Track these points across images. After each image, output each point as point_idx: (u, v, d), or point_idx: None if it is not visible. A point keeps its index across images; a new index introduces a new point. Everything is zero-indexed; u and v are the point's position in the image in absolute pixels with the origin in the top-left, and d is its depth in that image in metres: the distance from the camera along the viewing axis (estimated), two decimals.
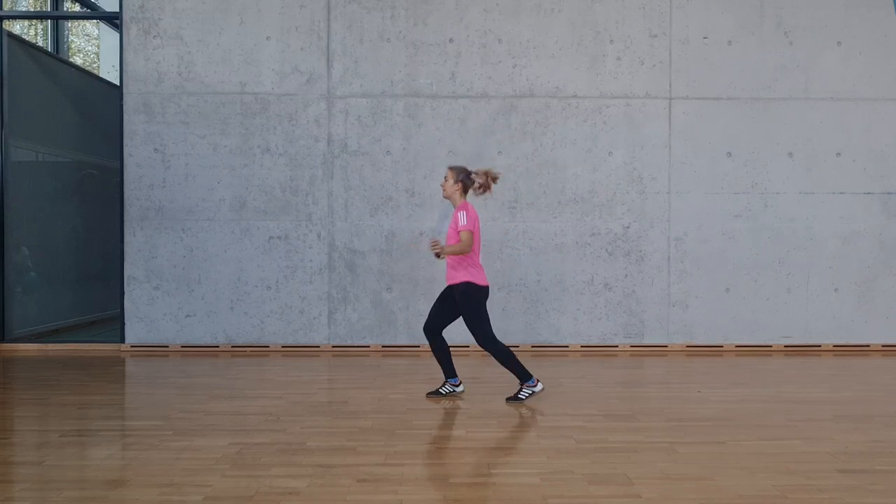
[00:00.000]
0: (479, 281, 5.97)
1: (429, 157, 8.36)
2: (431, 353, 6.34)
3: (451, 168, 6.11)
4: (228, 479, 4.17)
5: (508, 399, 6.07)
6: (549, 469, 4.36)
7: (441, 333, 6.17)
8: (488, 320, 6.01)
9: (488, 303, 8.25)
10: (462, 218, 5.90)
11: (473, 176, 6.06)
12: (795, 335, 8.57)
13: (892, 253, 8.60)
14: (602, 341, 8.52)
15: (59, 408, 5.96)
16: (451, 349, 6.28)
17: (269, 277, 8.42)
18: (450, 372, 6.23)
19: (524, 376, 6.03)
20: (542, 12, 8.48)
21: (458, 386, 6.26)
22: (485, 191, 6.10)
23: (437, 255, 5.97)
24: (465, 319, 6.02)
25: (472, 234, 5.88)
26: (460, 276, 5.95)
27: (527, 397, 6.04)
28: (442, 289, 6.23)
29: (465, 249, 5.86)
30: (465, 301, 5.97)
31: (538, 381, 6.09)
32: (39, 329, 9.27)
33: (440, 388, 6.27)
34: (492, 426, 5.42)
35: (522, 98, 8.48)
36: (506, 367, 6.03)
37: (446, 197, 6.08)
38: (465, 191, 6.04)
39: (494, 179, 6.10)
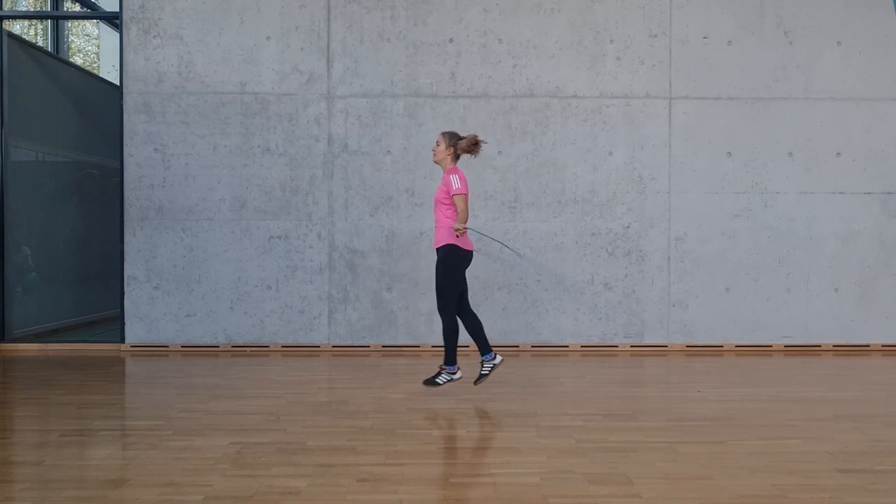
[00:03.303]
0: (464, 245, 6.01)
1: (429, 156, 8.33)
2: (443, 341, 6.26)
3: (443, 133, 6.19)
4: (228, 479, 4.17)
5: (426, 381, 6.15)
6: (549, 469, 4.36)
7: (469, 309, 6.17)
8: (456, 290, 6.01)
9: (487, 302, 8.26)
10: (455, 181, 5.94)
11: (464, 142, 6.13)
12: (795, 335, 8.57)
13: (892, 253, 8.60)
14: (602, 341, 8.52)
15: (59, 408, 5.96)
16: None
17: (269, 277, 8.42)
18: (485, 348, 6.16)
19: (450, 360, 6.07)
20: (542, 12, 8.48)
21: (494, 359, 6.18)
22: (473, 152, 6.16)
23: (458, 235, 5.98)
24: (436, 279, 6.01)
25: (466, 196, 5.95)
26: (444, 239, 6.00)
27: (444, 382, 6.11)
28: None
29: (466, 215, 5.94)
30: (442, 261, 5.99)
31: (459, 368, 6.13)
32: (39, 329, 9.27)
33: (480, 372, 6.20)
34: (492, 426, 5.42)
35: (522, 98, 8.48)
36: (444, 342, 6.05)
37: (437, 162, 6.16)
38: (456, 157, 6.12)
39: (476, 144, 6.14)
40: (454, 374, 6.12)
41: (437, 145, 6.14)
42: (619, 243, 8.50)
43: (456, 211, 5.95)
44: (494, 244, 8.35)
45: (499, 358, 6.22)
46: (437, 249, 6.06)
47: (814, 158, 8.56)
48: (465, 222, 5.93)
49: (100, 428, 5.32)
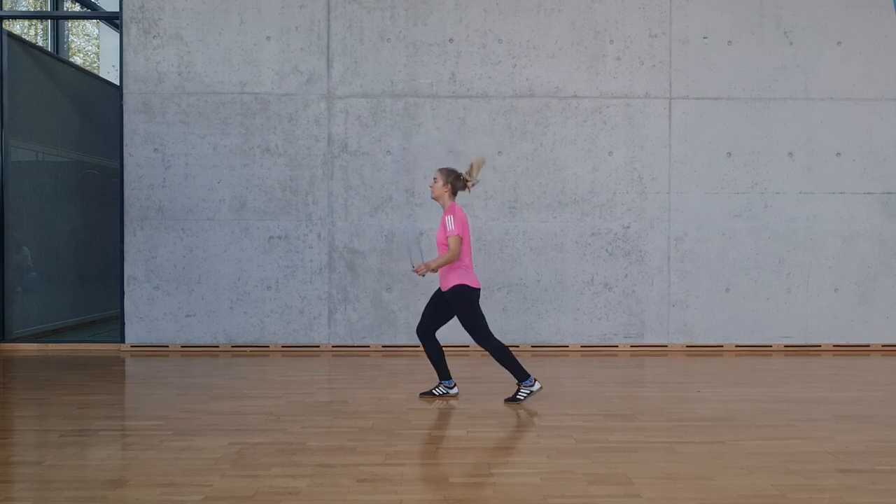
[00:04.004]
0: (471, 283, 5.95)
1: (429, 157, 8.36)
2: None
3: (440, 170, 6.09)
4: (228, 479, 4.17)
5: (507, 400, 6.06)
6: (549, 469, 4.36)
7: (434, 335, 6.14)
8: (483, 319, 6.01)
9: (487, 302, 8.26)
10: (449, 223, 5.87)
11: (464, 177, 6.04)
12: (795, 335, 8.57)
13: (892, 253, 8.60)
14: (602, 341, 8.52)
15: (59, 408, 5.96)
16: (450, 349, 6.25)
17: (269, 277, 8.42)
18: (444, 374, 6.20)
19: (521, 376, 6.00)
20: (542, 12, 8.48)
21: (451, 388, 6.23)
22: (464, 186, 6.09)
23: (424, 274, 5.93)
24: (461, 321, 6.01)
25: (461, 239, 5.87)
26: (452, 280, 5.94)
27: (525, 397, 6.03)
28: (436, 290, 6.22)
29: (455, 257, 5.85)
30: (458, 304, 5.96)
31: (535, 380, 6.06)
32: (39, 329, 9.27)
33: (434, 388, 6.26)
34: (492, 426, 5.42)
35: (522, 98, 8.48)
36: (503, 365, 6.01)
37: (434, 198, 6.07)
38: (454, 192, 6.03)
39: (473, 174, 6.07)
40: (532, 386, 6.01)
41: (435, 181, 6.03)
42: (618, 243, 8.50)
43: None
44: (492, 245, 8.35)
45: (456, 390, 6.23)
46: (446, 292, 5.99)
47: (814, 158, 8.56)
48: (448, 263, 5.85)
49: (100, 428, 5.32)
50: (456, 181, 6.02)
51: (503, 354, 5.98)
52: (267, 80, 8.43)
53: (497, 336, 6.21)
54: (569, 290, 8.49)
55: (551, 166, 8.48)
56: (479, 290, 6.02)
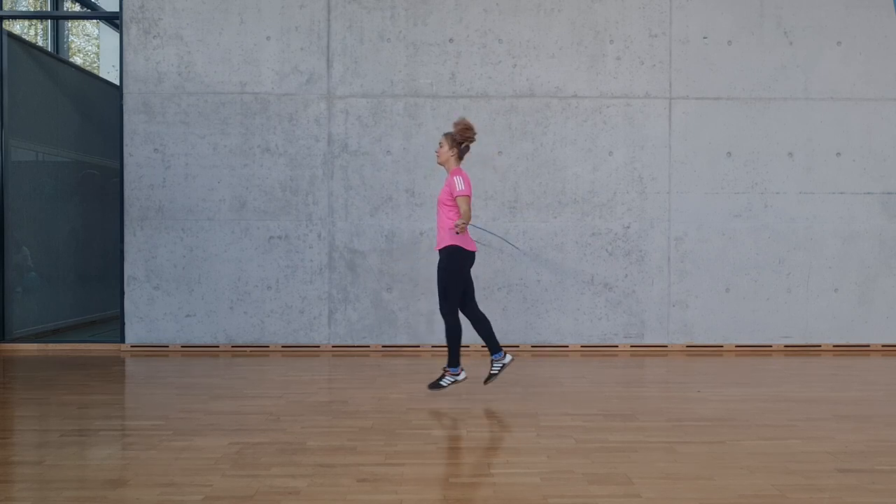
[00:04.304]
0: (467, 245, 5.99)
1: (429, 157, 8.34)
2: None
3: (445, 135, 6.14)
4: (228, 479, 4.17)
5: (430, 385, 6.11)
6: (549, 469, 4.36)
7: (475, 307, 6.13)
8: (460, 292, 5.99)
9: (487, 302, 8.25)
10: (459, 183, 5.92)
11: (464, 131, 6.05)
12: (795, 335, 8.57)
13: (892, 253, 8.60)
14: (602, 341, 8.52)
15: (59, 408, 5.96)
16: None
17: (269, 277, 8.42)
18: (494, 347, 6.13)
19: (454, 362, 6.04)
20: (542, 12, 8.48)
21: (504, 358, 6.13)
22: (469, 138, 6.10)
23: (457, 232, 5.93)
24: (439, 281, 6.00)
25: (469, 198, 5.93)
26: (446, 240, 5.98)
27: (448, 385, 6.08)
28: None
29: (468, 217, 5.90)
30: (447, 262, 5.97)
31: (462, 370, 6.09)
32: (39, 329, 9.27)
33: (490, 371, 6.16)
34: (492, 426, 5.42)
35: (522, 98, 8.48)
36: (447, 343, 6.02)
37: (441, 163, 6.13)
38: (459, 157, 6.09)
39: (469, 129, 6.08)
40: (457, 375, 6.08)
41: (441, 146, 6.10)
42: (619, 243, 8.50)
43: (458, 212, 5.94)
44: (494, 242, 8.35)
45: (508, 357, 6.16)
46: (440, 250, 6.04)
47: (814, 158, 8.56)
48: (468, 223, 5.91)
49: (100, 428, 5.32)
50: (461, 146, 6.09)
51: (452, 337, 5.97)
52: (267, 80, 8.43)
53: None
54: (569, 290, 8.49)
55: (551, 166, 8.48)
56: (473, 252, 6.04)
